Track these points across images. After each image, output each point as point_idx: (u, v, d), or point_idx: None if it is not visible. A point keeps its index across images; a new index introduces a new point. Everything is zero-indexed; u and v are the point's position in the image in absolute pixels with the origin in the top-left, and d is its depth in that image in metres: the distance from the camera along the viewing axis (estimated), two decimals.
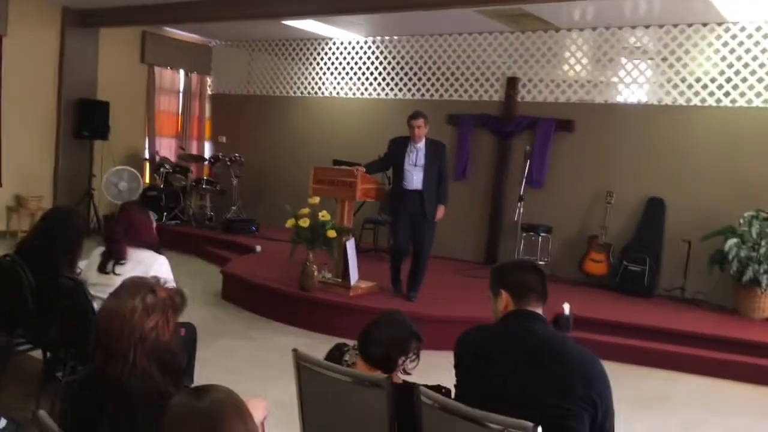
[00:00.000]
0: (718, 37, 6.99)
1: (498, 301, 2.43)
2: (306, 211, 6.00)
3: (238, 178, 9.89)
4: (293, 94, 10.28)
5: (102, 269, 3.47)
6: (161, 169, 9.83)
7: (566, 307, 5.97)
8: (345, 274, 6.02)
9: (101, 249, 3.57)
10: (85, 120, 9.28)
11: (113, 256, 3.47)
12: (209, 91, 11.27)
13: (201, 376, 4.71)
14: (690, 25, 7.10)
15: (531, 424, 2.02)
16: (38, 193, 9.03)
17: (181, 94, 10.93)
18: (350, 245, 6.02)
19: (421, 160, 5.88)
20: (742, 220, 6.39)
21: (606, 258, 7.45)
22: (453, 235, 8.67)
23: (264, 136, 10.42)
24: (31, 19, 8.83)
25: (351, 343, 2.84)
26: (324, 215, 5.89)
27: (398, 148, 5.98)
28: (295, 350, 2.61)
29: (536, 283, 2.38)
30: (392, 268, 6.26)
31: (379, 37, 9.34)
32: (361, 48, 9.54)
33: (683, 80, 7.23)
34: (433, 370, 2.87)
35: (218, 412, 1.55)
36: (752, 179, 6.83)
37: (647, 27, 7.34)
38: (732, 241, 6.35)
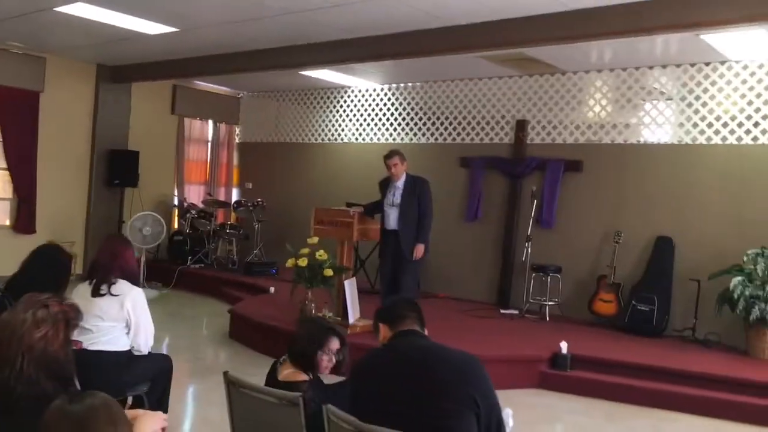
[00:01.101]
0: (721, 75, 7.01)
1: (379, 335, 2.65)
2: (306, 251, 6.20)
3: (260, 222, 10.20)
4: (314, 141, 10.63)
5: (95, 293, 3.69)
6: (187, 215, 10.23)
7: (563, 346, 5.98)
8: (344, 312, 6.14)
9: (86, 282, 3.80)
10: (116, 169, 9.79)
11: (104, 280, 3.69)
12: (237, 140, 11.73)
13: (193, 407, 4.90)
14: (693, 65, 7.14)
15: None
16: (71, 238, 9.50)
17: (209, 143, 11.42)
18: (348, 284, 6.15)
19: (398, 200, 5.92)
20: (746, 258, 6.27)
21: (615, 298, 7.37)
22: (466, 275, 8.75)
23: (287, 182, 10.76)
24: (67, 77, 9.46)
25: None
26: (321, 255, 6.07)
27: (383, 188, 6.09)
28: (225, 372, 2.76)
29: (409, 311, 2.68)
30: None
31: (394, 85, 9.64)
32: (378, 95, 9.84)
33: (688, 119, 7.24)
34: None
35: (89, 417, 1.69)
36: (760, 217, 6.72)
37: (650, 68, 7.41)
38: (737, 280, 6.23)
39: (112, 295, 3.62)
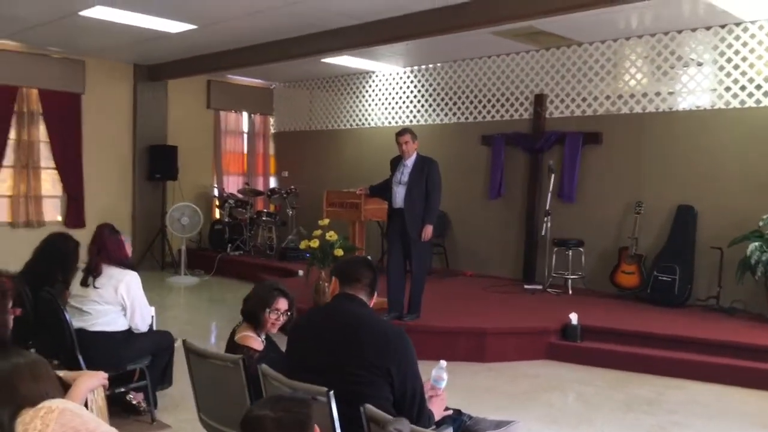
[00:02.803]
0: (737, 37, 6.81)
1: (330, 286, 2.77)
2: (318, 232, 6.42)
3: (294, 209, 10.50)
4: (344, 127, 10.84)
5: (83, 283, 4.03)
6: (226, 204, 10.64)
7: (573, 317, 6.01)
8: None
9: (83, 267, 4.14)
10: (156, 163, 10.26)
11: (90, 272, 4.03)
12: (272, 130, 12.07)
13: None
14: (694, 30, 6.96)
15: (325, 389, 2.29)
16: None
17: (245, 135, 11.80)
18: None
19: (405, 178, 5.82)
20: (762, 222, 6.12)
21: (637, 269, 7.30)
22: (492, 253, 8.82)
23: (319, 168, 11.02)
24: (106, 78, 9.96)
25: None
26: (331, 235, 6.27)
27: (393, 167, 6.04)
28: (184, 341, 3.00)
29: (363, 276, 2.69)
30: (387, 289, 5.97)
31: (416, 67, 9.72)
32: (401, 78, 9.95)
33: (712, 84, 7.06)
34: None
35: (13, 373, 1.95)
36: None
37: (665, 33, 7.25)
38: (754, 245, 6.11)
39: (95, 287, 3.91)
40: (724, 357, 5.36)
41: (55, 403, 1.92)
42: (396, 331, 2.56)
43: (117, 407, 4.26)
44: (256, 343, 3.18)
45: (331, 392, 2.27)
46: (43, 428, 1.86)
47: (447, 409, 2.75)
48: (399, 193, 5.86)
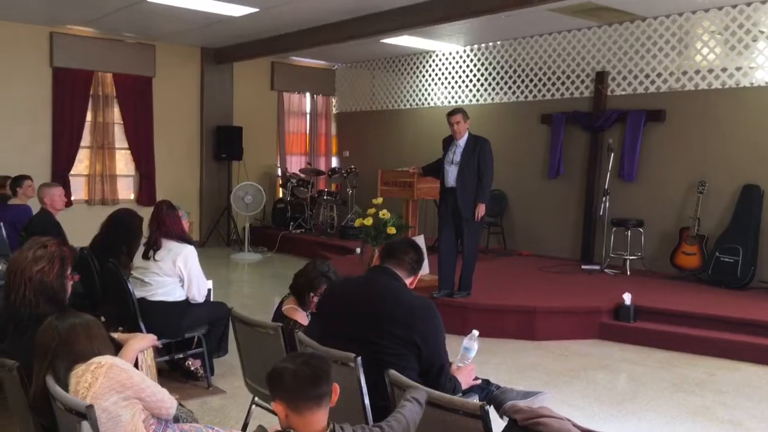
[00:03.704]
0: None
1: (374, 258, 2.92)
2: (372, 211, 6.55)
3: (354, 188, 10.68)
4: (404, 107, 10.91)
5: (144, 256, 4.30)
6: (288, 184, 10.92)
7: (627, 297, 5.96)
8: None
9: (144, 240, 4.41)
10: (222, 144, 10.62)
11: (151, 246, 4.29)
12: (334, 111, 12.26)
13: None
14: (764, 2, 6.67)
15: (353, 355, 2.42)
16: (187, 209, 10.30)
17: (308, 116, 12.04)
18: (417, 240, 6.43)
19: (458, 157, 5.84)
20: None
21: (699, 250, 7.12)
22: (550, 232, 8.77)
23: (380, 148, 11.15)
24: (175, 61, 10.35)
25: None
26: (384, 214, 6.39)
27: (445, 146, 6.06)
28: (231, 309, 3.19)
29: (404, 254, 2.78)
30: (438, 266, 6.08)
31: (476, 46, 9.68)
32: (461, 57, 9.93)
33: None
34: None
35: (70, 331, 2.17)
36: None
37: (733, 6, 6.98)
38: None
39: (155, 260, 4.16)
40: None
41: (105, 359, 2.13)
42: (423, 304, 2.63)
43: (177, 372, 4.55)
44: (302, 317, 3.37)
45: (359, 358, 2.39)
46: (92, 381, 2.06)
47: (476, 378, 2.84)
48: (451, 173, 5.89)
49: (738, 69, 7.09)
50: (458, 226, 5.95)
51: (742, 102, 7.06)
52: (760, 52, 6.94)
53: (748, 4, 6.85)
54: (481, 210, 5.83)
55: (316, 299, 3.39)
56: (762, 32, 6.88)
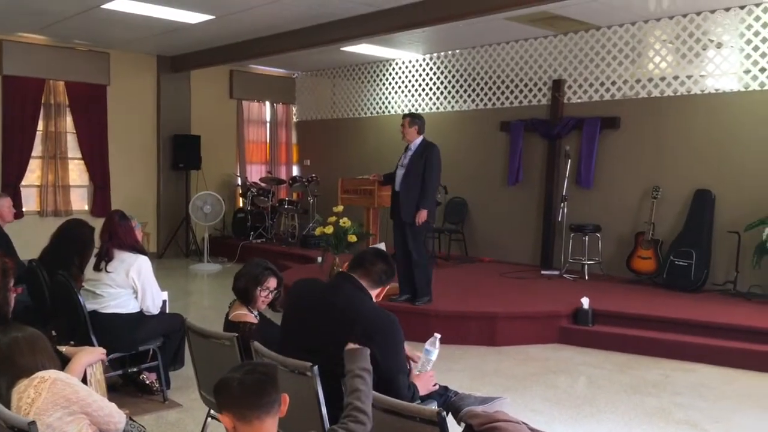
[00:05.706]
0: (757, 18, 6.69)
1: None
2: (333, 219, 6.51)
3: (315, 197, 10.62)
4: (365, 115, 10.91)
5: (96, 267, 4.18)
6: (248, 193, 10.80)
7: (585, 301, 6.03)
8: None
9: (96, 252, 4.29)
10: (180, 153, 10.45)
11: (102, 257, 4.17)
12: (294, 119, 12.20)
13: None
14: (713, 12, 6.86)
15: (309, 364, 2.38)
16: (144, 219, 10.26)
17: (268, 124, 11.95)
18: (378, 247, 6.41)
19: (406, 161, 5.83)
20: None
21: (654, 254, 7.26)
22: (510, 239, 8.84)
23: (341, 156, 11.11)
24: (130, 70, 10.17)
25: None
26: (345, 222, 6.36)
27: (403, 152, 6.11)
28: (184, 320, 3.12)
29: (370, 263, 2.73)
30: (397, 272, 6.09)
31: (435, 54, 9.74)
32: (420, 65, 9.98)
33: (733, 67, 6.96)
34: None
35: (11, 345, 2.09)
36: None
37: (684, 16, 7.15)
38: None
39: (107, 271, 4.06)
40: (736, 341, 5.33)
41: (48, 374, 2.05)
42: (382, 316, 2.59)
43: (131, 387, 4.43)
44: (251, 318, 3.32)
45: (315, 367, 2.35)
46: (35, 396, 1.98)
47: (435, 385, 2.82)
48: (399, 177, 5.87)
49: (689, 77, 7.26)
50: (403, 230, 5.91)
51: (693, 109, 7.23)
52: (710, 61, 7.12)
53: (698, 14, 7.03)
54: (422, 215, 5.75)
55: (263, 293, 3.35)
56: (711, 41, 7.06)
